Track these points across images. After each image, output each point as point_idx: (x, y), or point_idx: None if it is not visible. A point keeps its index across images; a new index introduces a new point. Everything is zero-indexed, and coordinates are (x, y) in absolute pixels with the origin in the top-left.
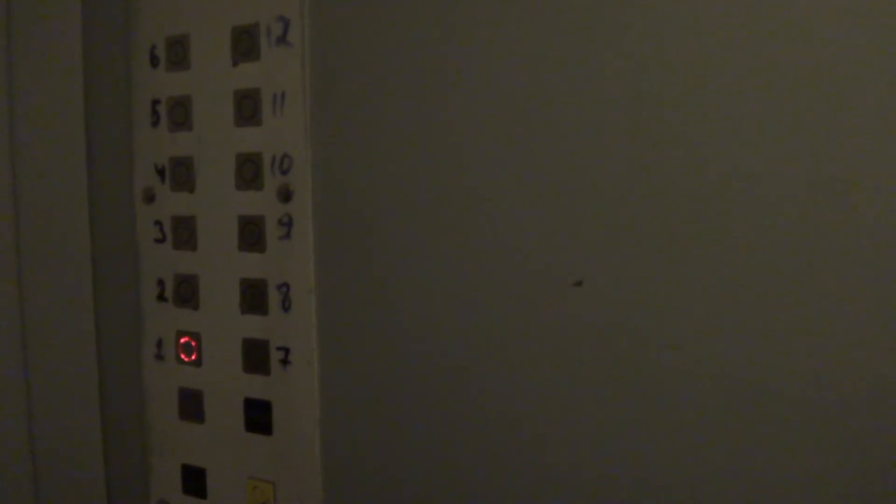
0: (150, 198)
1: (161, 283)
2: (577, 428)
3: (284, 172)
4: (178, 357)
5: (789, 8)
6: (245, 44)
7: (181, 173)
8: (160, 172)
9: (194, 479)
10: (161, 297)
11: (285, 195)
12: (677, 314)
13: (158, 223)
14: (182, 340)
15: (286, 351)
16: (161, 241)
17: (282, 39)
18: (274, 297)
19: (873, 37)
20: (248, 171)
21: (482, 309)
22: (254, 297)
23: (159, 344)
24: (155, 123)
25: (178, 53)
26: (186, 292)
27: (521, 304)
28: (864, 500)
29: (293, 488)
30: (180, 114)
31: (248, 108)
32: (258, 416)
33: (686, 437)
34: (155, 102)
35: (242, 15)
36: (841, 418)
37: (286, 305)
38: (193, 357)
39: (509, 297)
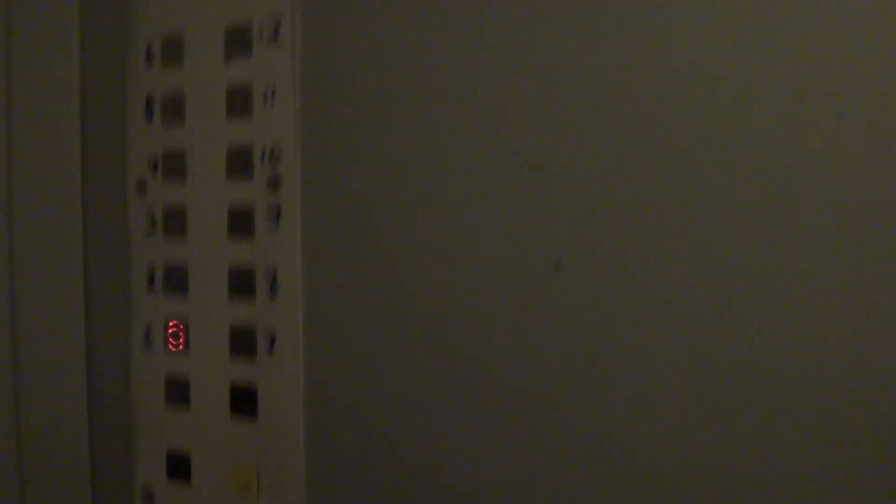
0: (142, 189)
1: (151, 272)
2: (565, 419)
3: (274, 162)
4: (166, 345)
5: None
6: (238, 42)
7: (173, 165)
8: (153, 165)
9: (179, 465)
10: (151, 286)
11: (274, 184)
12: (654, 295)
13: (150, 214)
14: (171, 329)
15: (272, 337)
16: (152, 231)
17: (273, 37)
18: (261, 284)
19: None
20: (239, 162)
21: (468, 296)
22: (242, 284)
23: (148, 332)
24: (149, 118)
25: (172, 51)
26: (176, 281)
27: (504, 291)
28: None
29: (276, 473)
30: (174, 109)
31: (239, 102)
32: (244, 402)
33: (661, 413)
34: (149, 98)
35: (236, 14)
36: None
37: (273, 292)
38: (181, 344)
39: (493, 284)
